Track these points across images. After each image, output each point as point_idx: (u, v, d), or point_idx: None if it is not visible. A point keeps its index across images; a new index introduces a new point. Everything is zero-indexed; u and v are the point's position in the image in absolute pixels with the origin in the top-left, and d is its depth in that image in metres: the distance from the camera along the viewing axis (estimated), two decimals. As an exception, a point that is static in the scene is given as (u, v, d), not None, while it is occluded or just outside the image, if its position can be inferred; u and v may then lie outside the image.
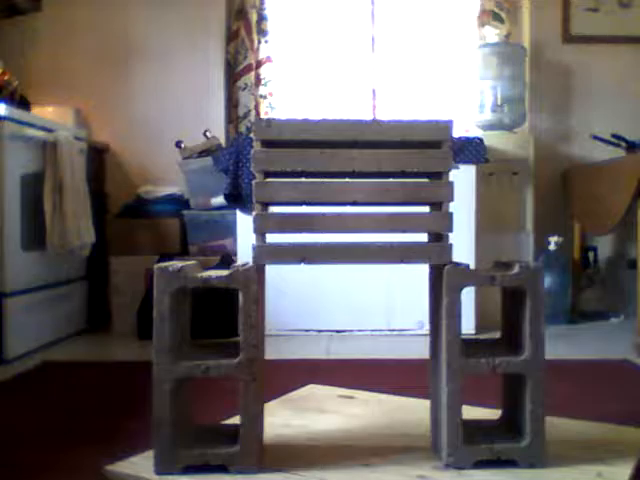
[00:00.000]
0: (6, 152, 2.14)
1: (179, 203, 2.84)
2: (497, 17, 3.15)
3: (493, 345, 1.19)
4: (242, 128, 3.13)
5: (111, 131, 3.10)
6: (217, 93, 3.15)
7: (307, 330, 2.59)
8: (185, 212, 2.77)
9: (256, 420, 1.09)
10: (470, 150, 2.55)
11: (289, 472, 1.07)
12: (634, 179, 2.35)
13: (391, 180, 1.13)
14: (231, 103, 3.19)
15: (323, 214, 1.11)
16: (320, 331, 2.59)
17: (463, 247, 2.39)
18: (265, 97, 3.17)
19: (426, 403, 1.23)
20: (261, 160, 1.10)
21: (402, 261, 1.11)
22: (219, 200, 2.68)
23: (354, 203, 1.12)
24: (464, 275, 1.10)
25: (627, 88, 3.17)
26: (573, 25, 3.16)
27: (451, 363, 1.08)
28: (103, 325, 2.75)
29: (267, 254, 1.10)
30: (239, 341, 1.08)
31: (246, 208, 2.53)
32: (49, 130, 2.38)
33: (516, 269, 1.09)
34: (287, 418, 1.35)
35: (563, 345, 2.36)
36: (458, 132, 2.91)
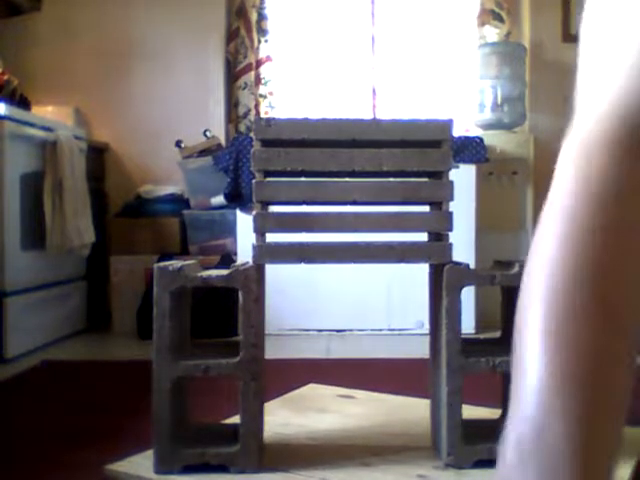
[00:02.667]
0: (6, 152, 2.14)
1: (179, 203, 2.84)
2: (497, 16, 3.15)
3: (493, 344, 1.19)
4: (242, 127, 3.13)
5: (111, 131, 3.10)
6: (217, 93, 3.15)
7: (307, 330, 2.59)
8: (185, 212, 2.77)
9: (256, 419, 1.09)
10: (470, 150, 2.55)
11: (289, 472, 1.07)
12: (634, 179, 2.35)
13: (391, 179, 1.13)
14: (231, 102, 3.18)
15: (323, 213, 1.11)
16: (320, 331, 2.59)
17: (463, 247, 2.39)
18: (265, 96, 3.17)
19: (426, 403, 1.23)
20: (261, 159, 1.10)
21: (402, 261, 1.11)
22: (219, 200, 2.68)
23: (354, 202, 1.12)
24: (464, 274, 1.10)
25: (627, 88, 3.16)
26: (573, 25, 3.16)
27: (451, 362, 1.08)
28: (103, 325, 2.75)
29: (267, 254, 1.10)
30: (239, 341, 1.08)
31: (246, 207, 2.53)
32: (49, 130, 2.38)
33: (516, 269, 1.09)
34: (287, 418, 1.35)
35: (563, 345, 2.36)
36: (458, 131, 2.91)
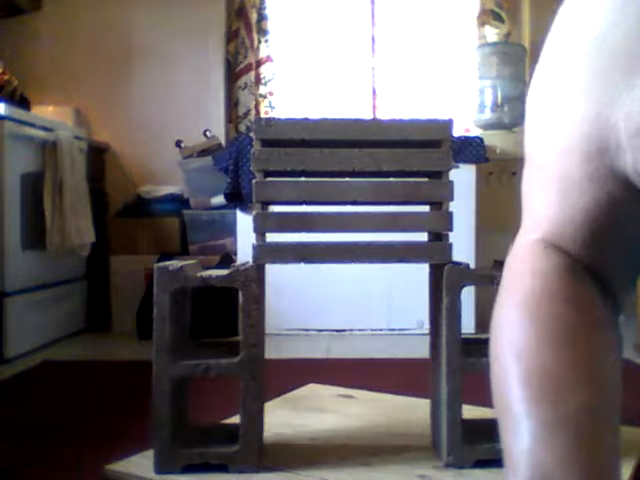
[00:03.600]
0: (6, 152, 2.14)
1: (179, 202, 2.83)
2: (497, 17, 3.15)
3: (493, 345, 1.19)
4: (242, 127, 3.13)
5: (111, 131, 3.10)
6: (217, 93, 3.15)
7: (307, 330, 2.59)
8: (185, 212, 2.77)
9: (256, 419, 1.09)
10: (470, 150, 2.55)
11: (289, 472, 1.07)
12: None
13: (391, 179, 1.13)
14: (231, 102, 3.19)
15: (323, 213, 1.11)
16: (320, 331, 2.59)
17: (463, 247, 2.39)
18: (265, 96, 3.17)
19: (426, 402, 1.23)
20: (261, 159, 1.10)
21: (402, 261, 1.11)
22: (219, 200, 2.68)
23: (354, 202, 1.12)
24: (464, 274, 1.10)
25: (627, 88, 3.16)
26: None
27: (451, 362, 1.08)
28: (103, 325, 2.75)
29: (267, 254, 1.10)
30: (239, 341, 1.08)
31: (246, 207, 2.53)
32: (49, 130, 2.38)
33: (516, 268, 1.09)
34: (287, 417, 1.35)
35: (563, 345, 2.35)
36: (458, 131, 2.91)
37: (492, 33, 3.08)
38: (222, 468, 1.07)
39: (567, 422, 0.45)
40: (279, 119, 1.10)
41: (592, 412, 0.46)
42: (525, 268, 0.56)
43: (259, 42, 3.17)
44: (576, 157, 0.51)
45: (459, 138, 2.56)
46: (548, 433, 0.44)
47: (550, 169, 0.54)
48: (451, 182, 1.11)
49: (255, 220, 1.10)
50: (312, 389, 1.60)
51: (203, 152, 2.83)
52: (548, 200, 0.55)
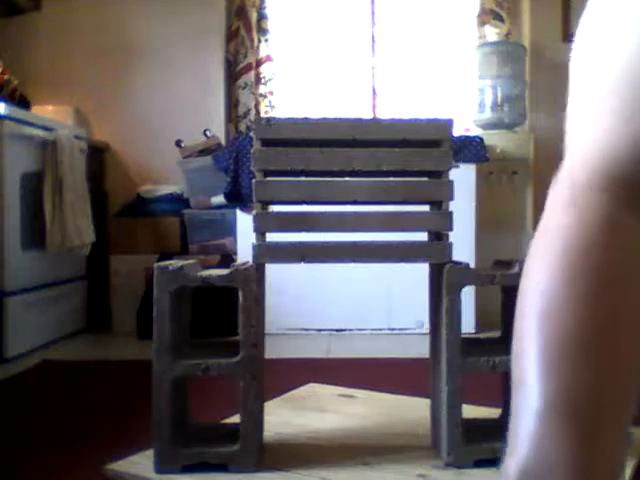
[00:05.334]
0: (6, 151, 2.14)
1: (179, 202, 2.83)
2: (497, 16, 3.15)
3: (493, 344, 1.19)
4: (242, 127, 3.13)
5: (111, 130, 3.10)
6: (217, 92, 3.15)
7: (307, 329, 2.59)
8: (185, 211, 2.77)
9: (256, 419, 1.09)
10: (470, 149, 2.55)
11: (289, 471, 1.07)
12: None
13: (391, 179, 1.13)
14: (231, 102, 3.18)
15: (323, 213, 1.11)
16: (320, 330, 2.59)
17: (463, 246, 2.39)
18: (265, 96, 3.17)
19: (426, 402, 1.23)
20: (261, 159, 1.10)
21: (402, 261, 1.11)
22: (219, 199, 2.67)
23: (354, 202, 1.12)
24: (464, 274, 1.10)
25: (627, 87, 3.16)
26: (573, 24, 3.16)
27: (451, 362, 1.08)
28: (103, 325, 2.74)
29: (267, 253, 1.10)
30: (239, 340, 1.08)
31: (246, 207, 2.53)
32: (49, 129, 2.38)
33: (516, 269, 1.09)
34: (287, 417, 1.35)
35: (563, 344, 2.35)
36: (458, 131, 2.91)
37: (492, 33, 3.08)
38: (222, 468, 1.07)
39: (578, 406, 0.43)
40: (279, 119, 1.10)
41: (607, 395, 0.44)
42: (568, 216, 0.52)
43: (259, 42, 3.17)
44: (631, 78, 0.47)
45: (459, 138, 2.56)
46: (556, 417, 0.43)
47: (602, 99, 0.49)
48: (451, 182, 1.11)
49: (255, 220, 1.10)
50: (312, 389, 1.60)
51: (203, 152, 2.83)
52: (601, 128, 0.49)
